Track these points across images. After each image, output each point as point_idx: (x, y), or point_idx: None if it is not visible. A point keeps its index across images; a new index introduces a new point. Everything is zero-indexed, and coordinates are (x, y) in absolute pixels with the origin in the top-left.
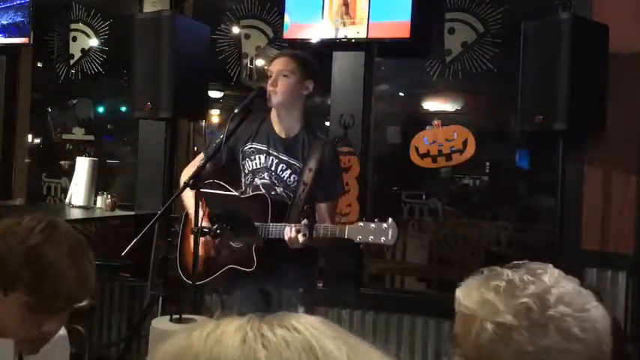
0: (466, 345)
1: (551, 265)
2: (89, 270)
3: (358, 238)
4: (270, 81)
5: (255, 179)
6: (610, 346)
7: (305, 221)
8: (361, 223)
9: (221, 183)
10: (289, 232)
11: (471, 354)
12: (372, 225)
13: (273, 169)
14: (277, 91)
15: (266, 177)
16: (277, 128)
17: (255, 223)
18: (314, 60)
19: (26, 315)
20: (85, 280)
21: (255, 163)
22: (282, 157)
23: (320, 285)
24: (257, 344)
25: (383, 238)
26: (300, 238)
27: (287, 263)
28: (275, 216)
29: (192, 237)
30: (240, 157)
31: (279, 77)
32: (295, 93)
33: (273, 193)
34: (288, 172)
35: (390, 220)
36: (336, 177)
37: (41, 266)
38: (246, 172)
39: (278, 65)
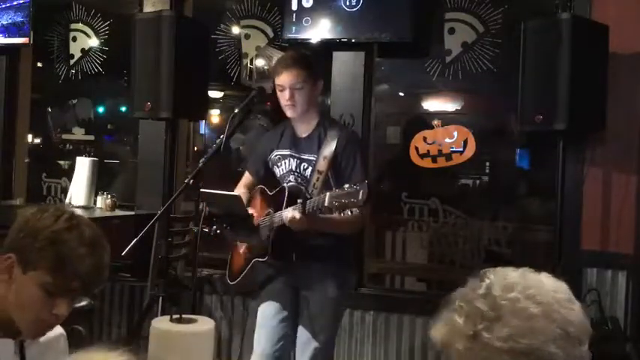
0: None
1: (511, 268)
2: (106, 262)
3: (334, 204)
4: (286, 97)
5: (284, 183)
6: (580, 307)
7: (300, 201)
8: (338, 189)
9: (265, 189)
10: (288, 213)
11: None
12: (347, 188)
13: (297, 170)
14: (296, 104)
15: (292, 179)
16: (297, 130)
17: (266, 214)
18: (312, 57)
19: (42, 295)
20: (101, 270)
21: (282, 169)
22: (303, 157)
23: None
24: None
25: (353, 199)
26: (297, 215)
27: (320, 264)
28: (290, 204)
29: (239, 244)
30: (270, 165)
31: (294, 92)
32: (313, 99)
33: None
34: (310, 169)
35: (366, 181)
36: (354, 164)
37: (63, 251)
38: (278, 178)
39: (288, 79)
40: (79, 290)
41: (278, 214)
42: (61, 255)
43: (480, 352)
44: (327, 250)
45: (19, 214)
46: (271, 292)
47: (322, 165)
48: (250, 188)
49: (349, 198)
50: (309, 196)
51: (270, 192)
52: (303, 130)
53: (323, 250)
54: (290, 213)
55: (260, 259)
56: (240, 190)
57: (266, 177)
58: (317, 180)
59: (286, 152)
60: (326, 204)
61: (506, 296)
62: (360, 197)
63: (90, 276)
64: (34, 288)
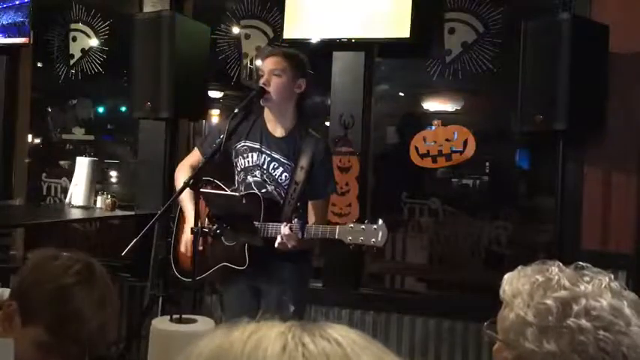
0: (499, 325)
1: (610, 277)
2: (112, 321)
3: (348, 239)
4: (262, 80)
5: (248, 177)
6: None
7: (296, 221)
8: (351, 224)
9: (218, 182)
10: (284, 230)
11: (501, 334)
12: (362, 226)
13: (265, 167)
14: (270, 91)
15: (257, 175)
16: (270, 126)
17: (256, 223)
18: (305, 58)
19: (38, 353)
20: (106, 331)
21: (248, 161)
22: (275, 156)
23: (319, 285)
24: (297, 353)
25: (373, 240)
26: (293, 242)
27: (279, 261)
28: (267, 215)
29: (184, 235)
30: (233, 154)
31: (271, 77)
32: (288, 92)
33: (264, 190)
34: (280, 170)
35: (381, 221)
36: (328, 176)
37: (66, 309)
38: (239, 169)
39: (270, 64)
40: (78, 354)
41: (272, 227)
42: (63, 315)
43: (522, 335)
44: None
45: (32, 255)
46: (232, 296)
47: (300, 176)
48: (196, 168)
49: (367, 237)
50: (290, 208)
51: (234, 192)
52: (278, 129)
53: (283, 251)
54: (287, 231)
55: (237, 267)
56: (184, 169)
57: (218, 164)
58: (294, 191)
59: (255, 145)
60: (336, 237)
61: (579, 321)
62: (380, 239)
63: (91, 340)
64: (30, 345)
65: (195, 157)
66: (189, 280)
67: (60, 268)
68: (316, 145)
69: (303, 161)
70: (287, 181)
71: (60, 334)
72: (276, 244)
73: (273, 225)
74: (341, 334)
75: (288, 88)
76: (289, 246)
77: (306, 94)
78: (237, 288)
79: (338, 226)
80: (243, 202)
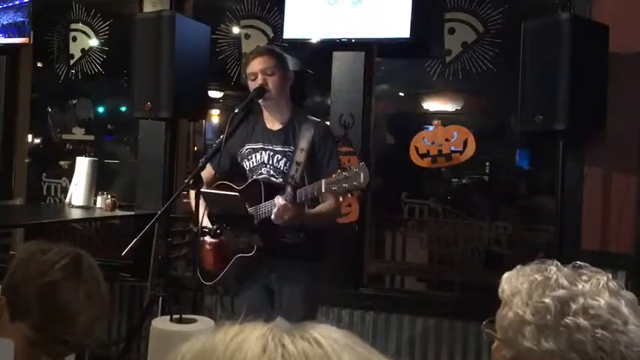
0: (498, 323)
1: (607, 276)
2: (101, 315)
3: (333, 189)
4: (259, 81)
5: (254, 176)
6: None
7: (289, 189)
8: (334, 175)
9: (227, 183)
10: (278, 200)
11: (499, 333)
12: (345, 173)
13: (270, 162)
14: (270, 89)
15: (264, 172)
16: (269, 123)
17: (249, 208)
18: (283, 53)
19: (26, 348)
20: (93, 327)
21: (252, 162)
22: (277, 149)
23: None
24: (277, 354)
25: (355, 183)
26: (288, 204)
27: (292, 261)
28: (269, 199)
29: (206, 239)
30: (239, 159)
31: (265, 76)
32: (284, 86)
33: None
34: (284, 160)
35: (362, 163)
36: (330, 155)
37: (53, 306)
38: (247, 172)
39: (259, 65)
40: (65, 352)
41: (263, 205)
42: (50, 311)
43: (520, 334)
44: (300, 246)
45: (22, 248)
46: (247, 298)
47: (300, 157)
48: (211, 183)
49: (350, 182)
50: (290, 188)
51: (239, 186)
52: (275, 123)
53: (296, 247)
54: (280, 201)
55: (245, 255)
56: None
57: (230, 172)
58: (296, 171)
59: (257, 146)
60: (323, 191)
61: (577, 320)
62: (362, 180)
63: (79, 338)
64: (19, 340)
65: (207, 172)
66: (210, 283)
67: (47, 264)
68: (315, 127)
69: (303, 143)
70: None
71: (45, 332)
72: (272, 217)
73: (265, 204)
74: (322, 334)
75: (284, 83)
76: (285, 217)
77: (297, 87)
78: (252, 289)
79: (323, 180)
80: (247, 192)
